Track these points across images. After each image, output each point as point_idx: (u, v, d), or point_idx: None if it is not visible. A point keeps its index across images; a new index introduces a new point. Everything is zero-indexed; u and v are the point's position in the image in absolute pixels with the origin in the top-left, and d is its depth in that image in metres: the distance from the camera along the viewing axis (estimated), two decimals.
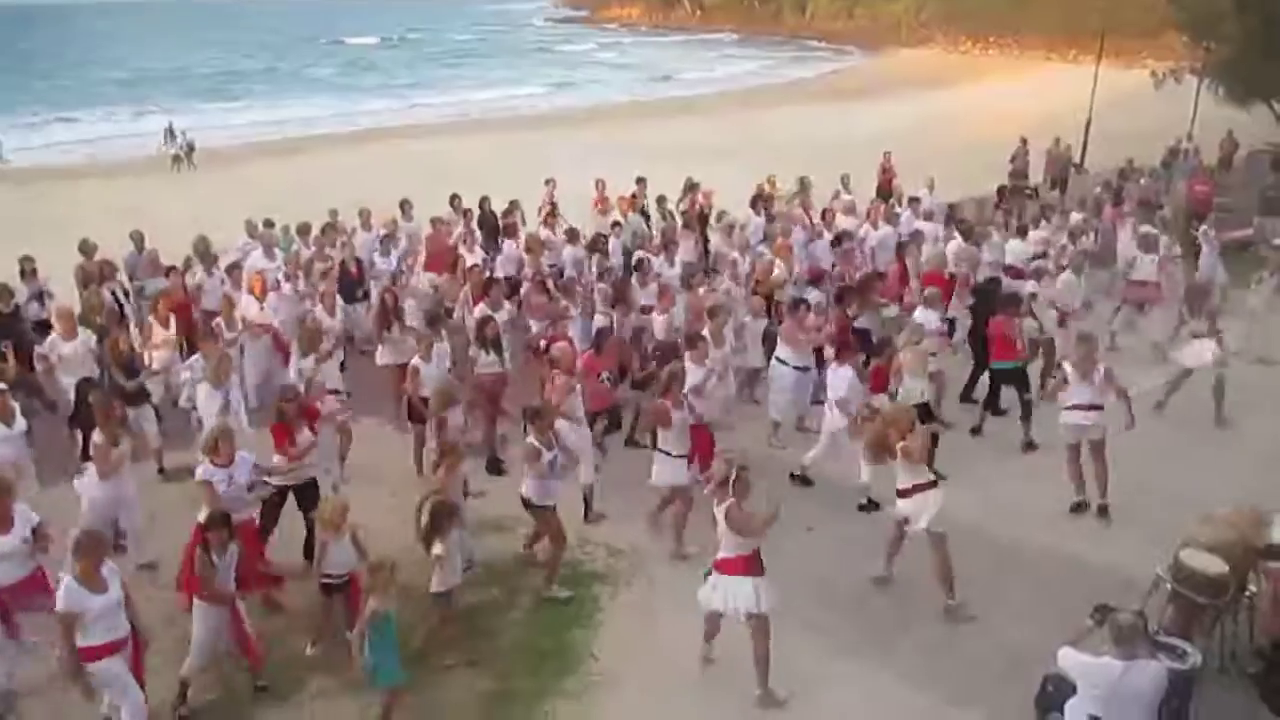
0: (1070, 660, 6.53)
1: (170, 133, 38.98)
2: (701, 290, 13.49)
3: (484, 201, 18.36)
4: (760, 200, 18.76)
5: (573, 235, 16.29)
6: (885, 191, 22.12)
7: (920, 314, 12.35)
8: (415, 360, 10.96)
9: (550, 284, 14.12)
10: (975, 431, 12.52)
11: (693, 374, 10.28)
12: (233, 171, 33.29)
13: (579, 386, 10.43)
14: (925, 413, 10.45)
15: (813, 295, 13.85)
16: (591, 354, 11.26)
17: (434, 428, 9.78)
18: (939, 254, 14.71)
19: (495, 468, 11.49)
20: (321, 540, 8.07)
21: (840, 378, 10.77)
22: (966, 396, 13.27)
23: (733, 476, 7.52)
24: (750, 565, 7.61)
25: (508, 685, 8.09)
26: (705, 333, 11.33)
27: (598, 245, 15.81)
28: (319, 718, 7.77)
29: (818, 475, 11.11)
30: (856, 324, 12.90)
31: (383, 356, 12.59)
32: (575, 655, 8.45)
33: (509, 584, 9.40)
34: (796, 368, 11.94)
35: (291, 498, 9.35)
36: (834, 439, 10.86)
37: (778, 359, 12.02)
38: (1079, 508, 10.58)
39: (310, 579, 8.66)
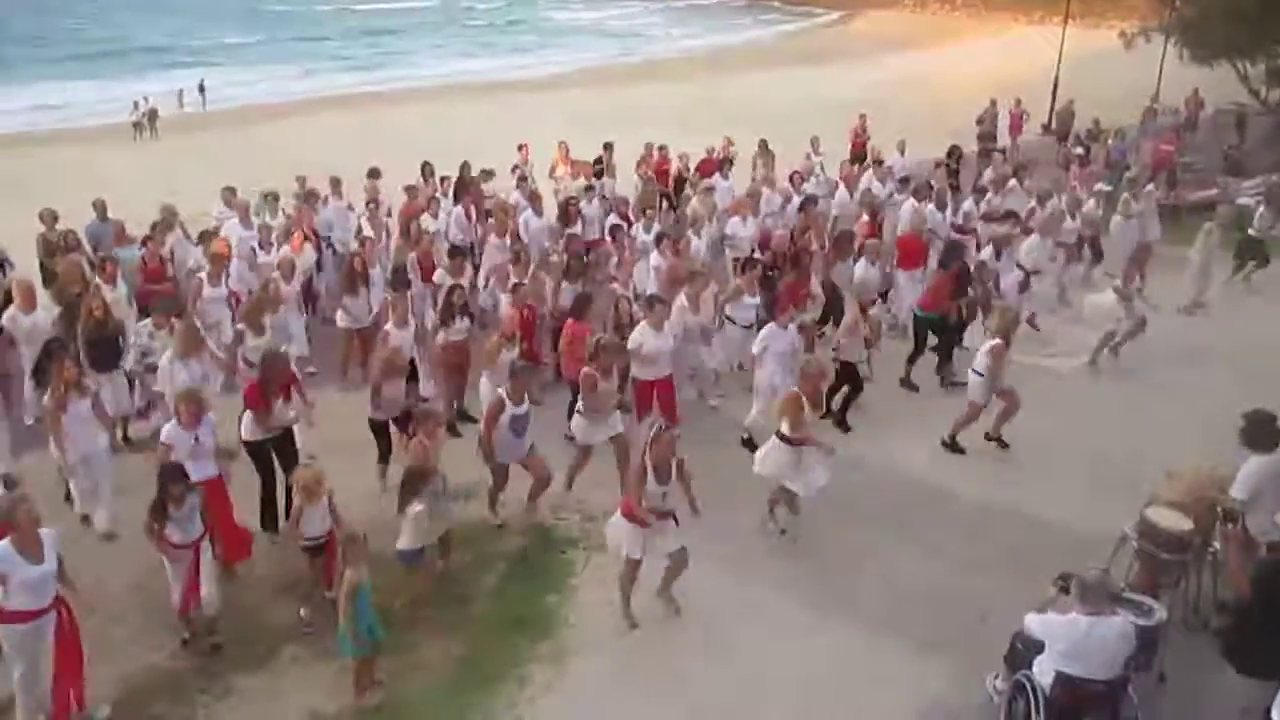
0: (1037, 623, 6.59)
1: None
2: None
3: (464, 168, 18.15)
4: (725, 164, 18.69)
5: (535, 200, 15.98)
6: (858, 155, 22.06)
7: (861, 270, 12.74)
8: (388, 325, 10.85)
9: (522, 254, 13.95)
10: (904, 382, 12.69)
11: (645, 337, 10.49)
12: (195, 139, 32.74)
13: (513, 348, 10.60)
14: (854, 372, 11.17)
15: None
16: (573, 321, 11.09)
17: (373, 395, 9.82)
18: (917, 218, 14.90)
19: (452, 430, 11.41)
20: (297, 506, 8.09)
21: (767, 332, 10.92)
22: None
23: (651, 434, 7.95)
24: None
25: (482, 650, 8.08)
26: (682, 297, 11.51)
27: (568, 213, 15.57)
28: (294, 685, 7.74)
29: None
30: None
31: (341, 319, 12.60)
32: (549, 620, 8.45)
33: (481, 550, 9.34)
34: (743, 325, 12.11)
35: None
36: (766, 398, 10.85)
37: (726, 317, 12.15)
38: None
39: (281, 546, 8.71)
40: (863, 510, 9.38)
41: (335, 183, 16.41)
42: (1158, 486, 8.19)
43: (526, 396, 9.24)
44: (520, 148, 19.34)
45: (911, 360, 12.66)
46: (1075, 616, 6.39)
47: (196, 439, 8.46)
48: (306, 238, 14.38)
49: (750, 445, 10.86)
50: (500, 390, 9.21)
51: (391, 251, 15.05)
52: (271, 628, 8.32)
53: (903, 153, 20.23)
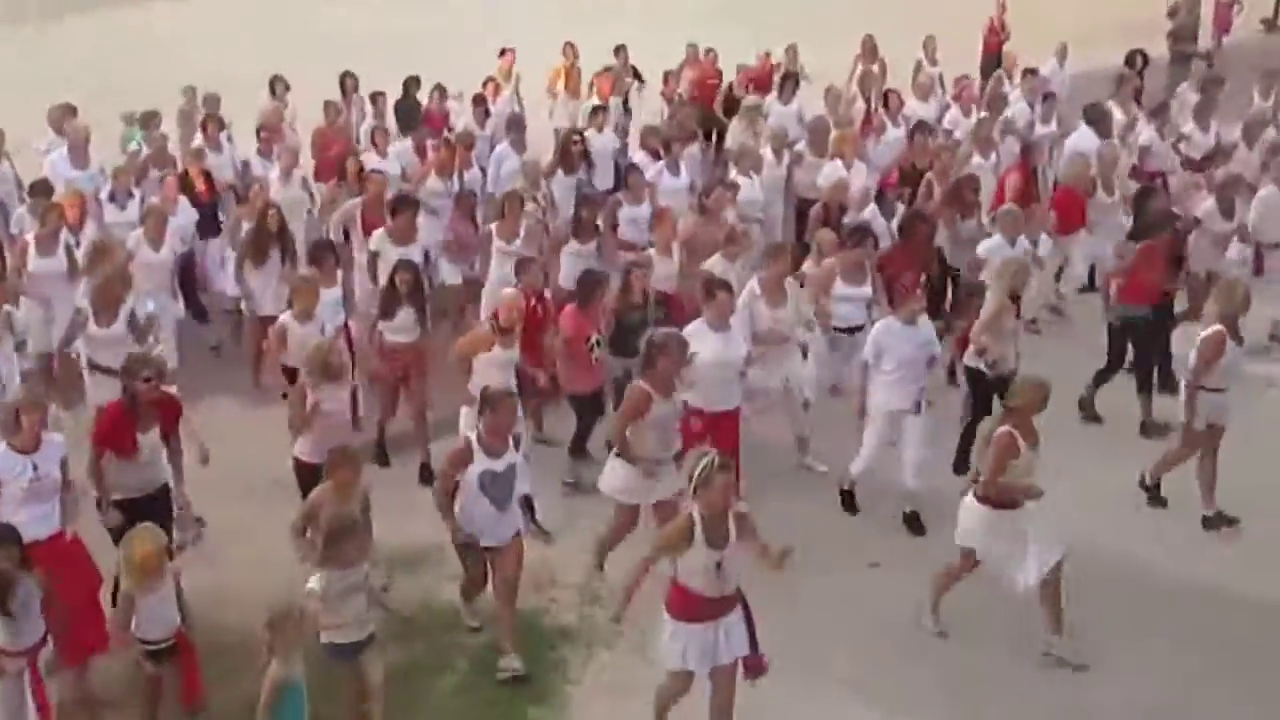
0: None
1: None
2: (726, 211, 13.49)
3: (409, 85, 18.21)
4: (787, 80, 18.67)
5: (515, 127, 16.01)
6: (993, 61, 21.91)
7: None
8: (285, 316, 11.03)
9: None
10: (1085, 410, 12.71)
11: (703, 342, 10.20)
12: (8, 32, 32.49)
13: (510, 352, 10.53)
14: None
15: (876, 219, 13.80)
16: (575, 309, 11.19)
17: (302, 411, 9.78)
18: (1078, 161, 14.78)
19: (383, 460, 11.78)
20: (124, 594, 7.85)
21: (883, 330, 10.74)
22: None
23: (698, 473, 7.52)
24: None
25: None
26: (754, 283, 11.32)
27: (568, 152, 15.53)
28: None
29: (874, 487, 11.13)
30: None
31: (246, 304, 12.82)
32: None
33: (438, 640, 9.39)
34: (840, 330, 11.95)
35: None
36: (881, 430, 10.85)
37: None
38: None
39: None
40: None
41: (212, 105, 16.45)
42: None
43: (512, 442, 9.04)
44: (502, 53, 19.33)
45: (1101, 379, 12.64)
46: None
47: (35, 468, 8.43)
48: (189, 186, 14.44)
49: (850, 501, 11.07)
50: (469, 432, 8.98)
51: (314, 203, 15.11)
52: None
53: (1062, 60, 20.05)
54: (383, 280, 12.02)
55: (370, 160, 15.16)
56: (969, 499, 9.02)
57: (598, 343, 11.30)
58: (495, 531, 8.87)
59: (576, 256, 13.04)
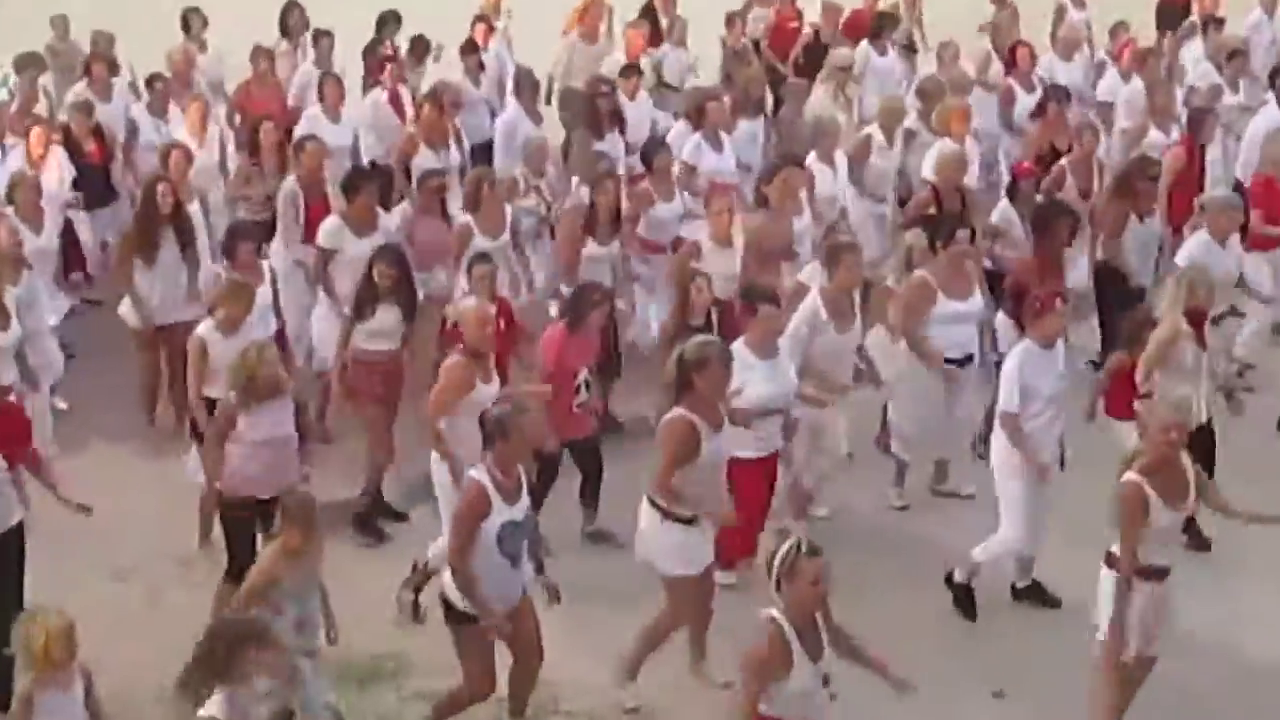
0: None
1: None
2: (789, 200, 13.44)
3: (386, 23, 18.35)
4: (884, 21, 18.95)
5: (523, 87, 16.18)
6: (1177, 10, 21.78)
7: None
8: (204, 328, 11.04)
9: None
10: None
11: (746, 373, 10.28)
12: None
13: (493, 386, 10.65)
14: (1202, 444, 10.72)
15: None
16: (561, 332, 11.34)
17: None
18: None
19: (367, 526, 11.77)
20: (23, 691, 7.91)
21: (1020, 361, 10.64)
22: None
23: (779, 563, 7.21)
24: None
25: None
26: (815, 297, 11.38)
27: (596, 113, 15.69)
28: None
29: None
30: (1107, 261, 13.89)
31: (126, 308, 12.98)
32: None
33: None
34: (949, 360, 11.90)
35: None
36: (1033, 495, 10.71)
37: None
38: None
39: None
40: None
41: (103, 44, 16.53)
42: None
43: (524, 482, 9.05)
44: None
45: None
46: None
47: None
48: (75, 144, 14.63)
49: (968, 600, 10.98)
50: (475, 472, 8.91)
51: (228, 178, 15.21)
52: None
53: (1271, 10, 20.07)
54: (344, 282, 12.23)
55: (315, 124, 15.22)
56: (1104, 571, 8.93)
57: (586, 384, 11.40)
58: (509, 596, 8.87)
59: (592, 262, 13.04)
